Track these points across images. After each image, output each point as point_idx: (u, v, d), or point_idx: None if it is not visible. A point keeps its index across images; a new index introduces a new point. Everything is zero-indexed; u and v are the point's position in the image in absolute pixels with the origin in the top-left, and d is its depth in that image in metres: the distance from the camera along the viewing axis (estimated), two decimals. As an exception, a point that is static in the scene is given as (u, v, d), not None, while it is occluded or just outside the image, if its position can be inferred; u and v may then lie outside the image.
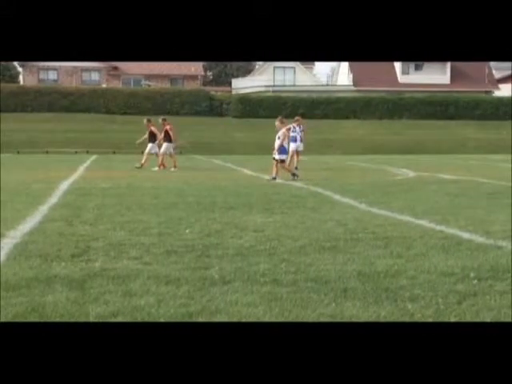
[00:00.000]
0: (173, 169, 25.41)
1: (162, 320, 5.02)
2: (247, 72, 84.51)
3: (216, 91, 68.38)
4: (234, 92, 70.79)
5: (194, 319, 5.06)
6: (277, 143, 20.49)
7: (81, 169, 25.99)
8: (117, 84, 71.73)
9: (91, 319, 5.02)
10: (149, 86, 70.61)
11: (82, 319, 5.02)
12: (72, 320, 4.99)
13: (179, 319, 5.05)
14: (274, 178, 19.99)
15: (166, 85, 71.71)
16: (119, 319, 5.03)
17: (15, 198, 13.67)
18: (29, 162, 24.37)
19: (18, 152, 46.00)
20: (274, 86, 71.79)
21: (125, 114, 60.32)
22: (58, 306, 5.37)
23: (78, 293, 5.81)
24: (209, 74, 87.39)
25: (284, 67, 74.58)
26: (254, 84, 72.30)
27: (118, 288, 5.99)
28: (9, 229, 9.35)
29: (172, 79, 74.95)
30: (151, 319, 5.04)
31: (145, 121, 28.25)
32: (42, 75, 73.64)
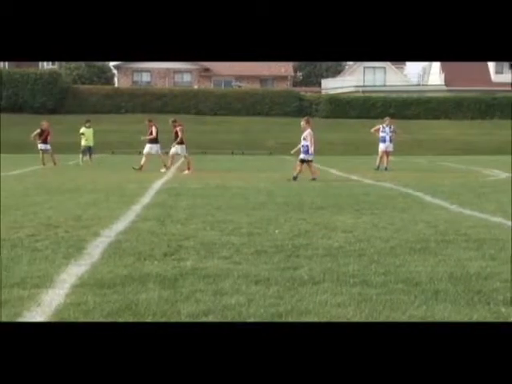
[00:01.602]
0: (163, 169, 24.87)
1: (251, 320, 5.06)
2: (337, 72, 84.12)
3: (305, 92, 68.30)
4: (323, 92, 70.59)
5: (284, 319, 5.08)
6: (303, 144, 20.45)
7: (172, 169, 26.38)
8: (208, 85, 72.52)
9: (183, 318, 5.10)
10: (239, 86, 71.09)
11: (174, 318, 5.10)
12: (164, 319, 5.08)
13: (269, 319, 5.08)
14: (295, 178, 19.95)
15: (256, 86, 72.09)
16: (210, 318, 5.08)
17: (110, 198, 14.00)
18: (123, 162, 24.89)
19: (113, 152, 47.04)
20: (363, 86, 71.30)
21: (215, 114, 60.94)
22: (151, 304, 5.47)
23: (170, 291, 5.90)
24: (298, 74, 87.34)
25: (374, 67, 73.99)
26: (344, 84, 71.95)
27: (209, 287, 6.06)
28: (104, 228, 9.60)
29: (262, 80, 75.27)
30: (241, 319, 5.08)
31: (170, 121, 26.92)
32: (136, 77, 75.08)
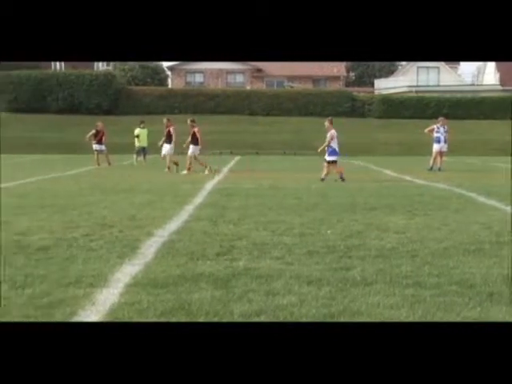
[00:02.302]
0: (185, 171, 24.34)
1: (304, 320, 5.07)
2: (390, 72, 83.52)
3: (358, 92, 67.96)
4: (376, 92, 70.15)
5: (336, 320, 5.07)
6: (328, 144, 20.35)
7: (225, 169, 26.48)
8: (260, 86, 72.61)
9: (235, 318, 5.12)
10: (291, 87, 71.05)
11: (227, 318, 5.13)
12: (216, 319, 5.11)
13: (321, 320, 5.08)
14: (340, 178, 19.87)
15: (308, 86, 71.96)
16: (262, 318, 5.10)
17: (163, 198, 14.13)
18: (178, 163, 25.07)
19: (166, 153, 47.38)
20: (417, 86, 70.64)
21: (268, 115, 61.00)
22: (204, 303, 5.50)
23: (223, 291, 5.94)
24: (351, 74, 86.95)
25: (428, 67, 73.28)
26: (397, 84, 71.38)
27: (261, 287, 6.08)
28: (157, 227, 9.69)
29: (314, 80, 75.11)
30: (293, 319, 5.09)
31: (188, 121, 26.02)
32: (189, 78, 75.58)
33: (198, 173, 23.26)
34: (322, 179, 19.88)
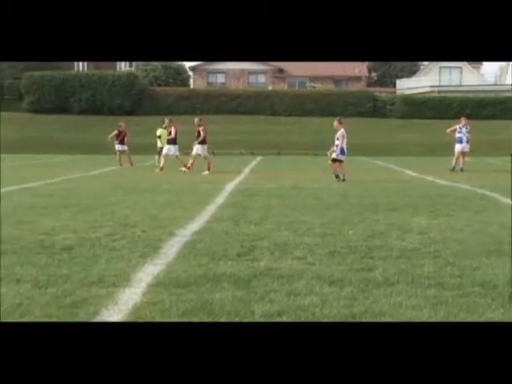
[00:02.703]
0: (183, 169, 24.84)
1: (325, 320, 5.06)
2: (412, 73, 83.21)
3: (380, 92, 67.78)
4: (398, 93, 69.94)
5: (358, 320, 5.07)
6: (336, 144, 20.29)
7: (246, 170, 26.50)
8: (282, 86, 72.62)
9: (256, 318, 5.13)
10: (313, 87, 70.99)
11: (248, 318, 5.13)
12: (237, 319, 5.11)
13: (342, 320, 5.07)
14: (342, 179, 19.81)
15: (330, 86, 71.86)
16: (284, 319, 5.10)
17: (184, 198, 14.17)
18: (197, 163, 25.12)
19: (187, 153, 47.45)
20: (439, 86, 70.33)
21: (289, 115, 60.99)
22: (225, 303, 5.51)
23: (244, 291, 5.94)
24: (373, 74, 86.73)
25: (450, 67, 72.94)
26: (419, 84, 71.12)
27: (283, 287, 6.08)
28: (179, 227, 9.72)
29: (336, 81, 75.02)
30: (315, 319, 5.09)
31: (196, 120, 26.34)
32: (211, 78, 75.76)
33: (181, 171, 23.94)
34: (343, 179, 19.84)
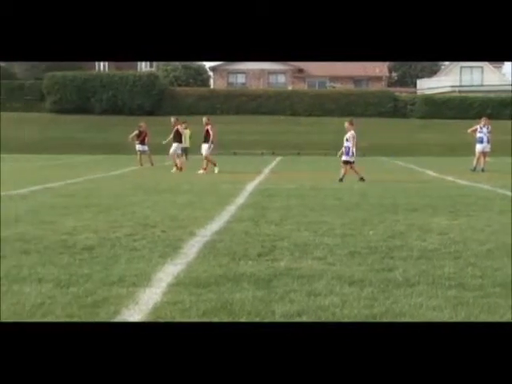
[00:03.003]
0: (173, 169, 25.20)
1: (346, 321, 5.06)
2: (432, 72, 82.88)
3: (400, 92, 67.56)
4: (418, 93, 69.69)
5: (378, 320, 5.06)
6: (345, 145, 20.32)
7: (266, 170, 26.50)
8: (302, 86, 72.57)
9: (277, 318, 5.13)
10: (333, 87, 70.88)
11: (268, 318, 5.14)
12: (258, 319, 5.12)
13: (363, 320, 5.07)
14: (341, 180, 19.77)
15: (350, 86, 71.72)
16: (304, 319, 5.10)
17: (204, 199, 14.20)
18: (217, 163, 25.16)
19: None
20: (460, 86, 70.00)
21: (310, 115, 60.92)
22: (246, 303, 5.52)
23: (264, 291, 5.95)
24: (393, 74, 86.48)
25: (471, 67, 72.57)
26: (440, 84, 70.84)
27: (303, 288, 6.08)
28: (199, 228, 9.75)
29: (356, 80, 74.88)
30: (335, 320, 5.09)
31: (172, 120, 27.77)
32: (231, 79, 75.86)
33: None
34: (361, 178, 19.80)
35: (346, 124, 20.83)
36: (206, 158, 25.05)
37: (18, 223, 10.04)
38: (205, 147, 24.92)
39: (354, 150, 20.37)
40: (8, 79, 65.23)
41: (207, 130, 25.11)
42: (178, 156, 26.72)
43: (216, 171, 24.34)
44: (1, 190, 15.29)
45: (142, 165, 29.51)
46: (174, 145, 26.96)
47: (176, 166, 25.88)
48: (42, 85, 62.69)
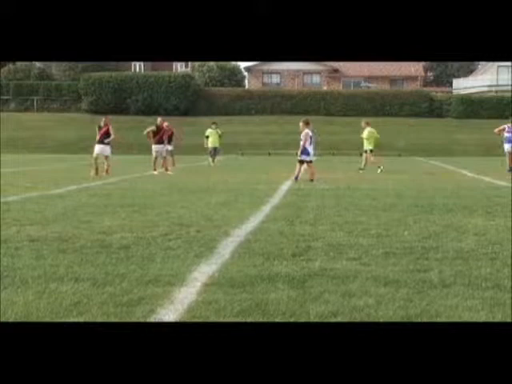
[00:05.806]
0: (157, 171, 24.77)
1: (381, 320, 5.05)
2: (469, 72, 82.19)
3: (436, 92, 67.09)
4: (454, 92, 69.15)
5: (414, 321, 5.03)
6: (301, 144, 20.30)
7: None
8: (337, 86, 72.37)
9: (311, 318, 5.13)
10: (368, 87, 70.59)
11: (303, 318, 5.13)
12: (292, 319, 5.12)
13: (398, 321, 5.04)
14: (296, 179, 19.76)
15: (385, 86, 71.38)
16: (338, 319, 5.09)
17: (239, 199, 14.22)
18: (252, 163, 25.20)
19: (242, 154, 47.65)
20: (497, 85, 69.30)
21: (344, 115, 60.75)
22: (280, 304, 5.52)
23: (299, 291, 5.94)
24: (429, 74, 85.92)
25: (508, 66, 71.70)
26: (476, 84, 70.21)
27: (338, 288, 6.07)
28: (234, 228, 9.77)
29: (392, 80, 74.49)
30: (370, 320, 5.07)
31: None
32: (266, 79, 75.90)
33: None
34: (296, 178, 19.86)
35: (301, 123, 20.83)
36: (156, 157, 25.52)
37: (55, 223, 10.16)
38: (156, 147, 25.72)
39: (311, 148, 20.21)
40: (46, 80, 65.96)
41: (164, 130, 26.10)
42: (162, 158, 26.00)
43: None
44: (39, 189, 15.46)
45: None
46: (155, 146, 25.97)
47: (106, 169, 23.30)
48: (78, 86, 63.31)
